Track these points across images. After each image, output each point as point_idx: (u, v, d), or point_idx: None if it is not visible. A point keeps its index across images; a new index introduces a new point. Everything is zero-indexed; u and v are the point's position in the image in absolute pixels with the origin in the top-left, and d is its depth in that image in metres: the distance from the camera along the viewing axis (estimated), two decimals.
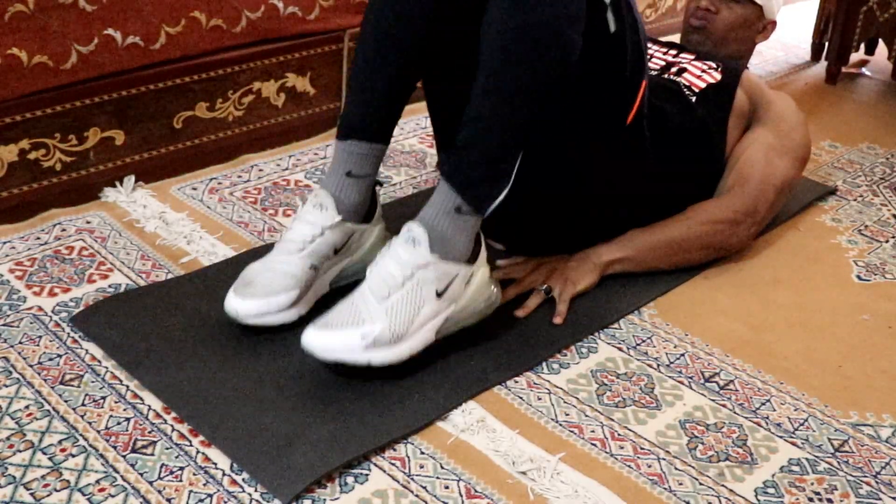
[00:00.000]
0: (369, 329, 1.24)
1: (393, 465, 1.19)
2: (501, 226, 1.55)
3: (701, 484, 1.20)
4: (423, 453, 1.21)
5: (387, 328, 1.25)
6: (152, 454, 1.17)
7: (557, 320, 1.47)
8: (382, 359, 1.26)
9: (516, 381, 1.35)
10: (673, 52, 1.89)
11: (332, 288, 1.45)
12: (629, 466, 1.21)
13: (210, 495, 1.12)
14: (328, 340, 1.25)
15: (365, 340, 1.24)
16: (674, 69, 1.81)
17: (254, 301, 1.34)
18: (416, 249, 1.28)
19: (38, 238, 1.61)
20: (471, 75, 1.29)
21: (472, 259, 1.33)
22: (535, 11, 1.24)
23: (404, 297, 1.26)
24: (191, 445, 1.19)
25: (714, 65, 1.81)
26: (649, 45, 1.88)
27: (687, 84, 1.76)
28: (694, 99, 1.73)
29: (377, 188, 1.49)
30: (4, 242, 1.58)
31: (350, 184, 1.43)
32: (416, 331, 1.28)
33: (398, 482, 1.16)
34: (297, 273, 1.37)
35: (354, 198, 1.43)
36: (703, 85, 1.76)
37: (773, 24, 1.96)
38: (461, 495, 1.15)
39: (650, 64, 1.81)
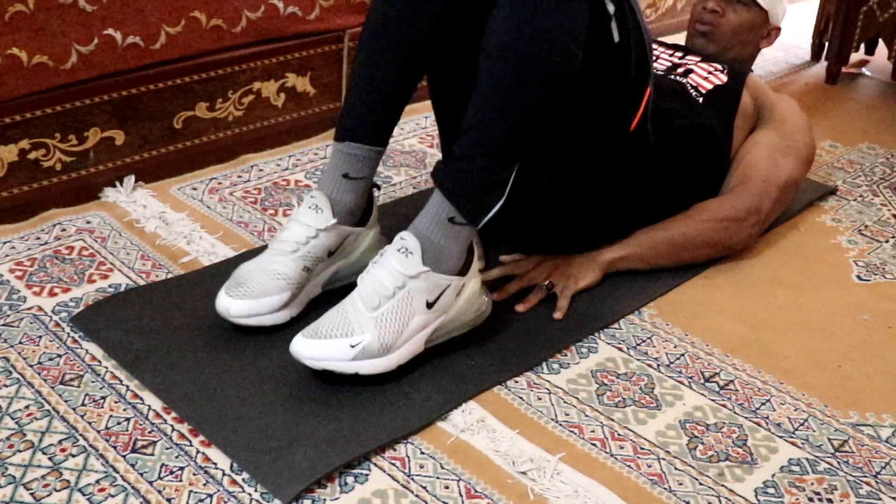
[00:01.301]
0: (358, 339, 1.24)
1: (393, 465, 1.19)
2: (507, 228, 1.54)
3: (701, 484, 1.20)
4: (423, 453, 1.21)
5: (376, 339, 1.25)
6: (152, 454, 1.17)
7: (558, 315, 1.47)
8: (370, 368, 1.25)
9: (516, 381, 1.35)
10: (679, 54, 1.89)
11: (325, 290, 1.44)
12: (629, 466, 1.21)
13: (210, 495, 1.12)
14: (317, 349, 1.25)
15: (354, 350, 1.24)
16: (680, 70, 1.81)
17: (245, 301, 1.34)
18: (409, 260, 1.27)
19: (38, 238, 1.61)
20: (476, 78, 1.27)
21: (464, 270, 1.32)
22: (536, 23, 1.21)
23: (394, 308, 1.26)
24: (191, 445, 1.19)
25: (720, 67, 1.81)
26: (654, 46, 1.88)
27: (694, 85, 1.75)
28: (701, 100, 1.73)
29: (374, 191, 1.48)
30: (4, 242, 1.58)
31: (346, 186, 1.42)
32: (405, 341, 1.27)
33: (398, 482, 1.16)
34: (290, 274, 1.37)
35: (350, 200, 1.42)
36: (709, 86, 1.76)
37: (778, 30, 1.97)
38: (461, 495, 1.15)
39: (655, 65, 1.81)
